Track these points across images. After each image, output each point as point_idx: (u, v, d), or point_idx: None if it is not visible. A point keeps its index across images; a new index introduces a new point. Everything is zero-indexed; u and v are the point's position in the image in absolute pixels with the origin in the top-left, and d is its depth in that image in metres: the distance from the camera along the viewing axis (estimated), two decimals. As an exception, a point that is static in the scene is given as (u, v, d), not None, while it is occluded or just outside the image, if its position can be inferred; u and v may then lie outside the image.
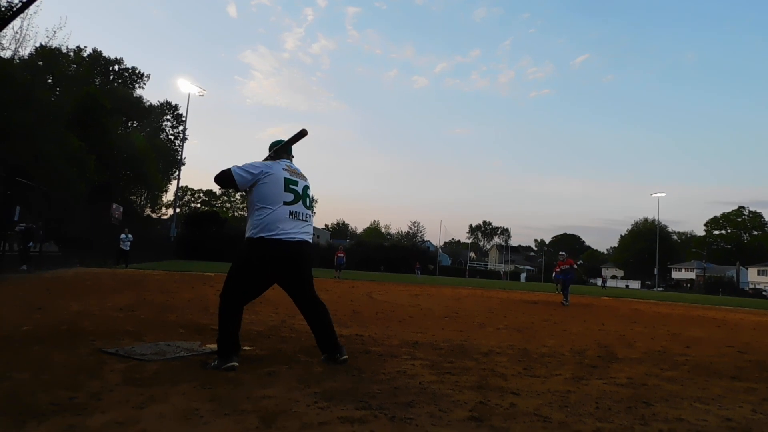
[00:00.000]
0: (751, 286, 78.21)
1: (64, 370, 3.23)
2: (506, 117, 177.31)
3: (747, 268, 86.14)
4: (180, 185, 50.39)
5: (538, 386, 3.62)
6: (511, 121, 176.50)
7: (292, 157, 4.14)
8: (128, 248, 21.18)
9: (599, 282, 64.48)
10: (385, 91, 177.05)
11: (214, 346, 3.85)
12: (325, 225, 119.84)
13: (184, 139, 51.78)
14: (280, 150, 4.04)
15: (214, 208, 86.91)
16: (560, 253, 16.99)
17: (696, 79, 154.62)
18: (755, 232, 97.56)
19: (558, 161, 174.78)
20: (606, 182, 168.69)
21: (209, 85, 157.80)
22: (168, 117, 59.57)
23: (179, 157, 52.46)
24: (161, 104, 58.67)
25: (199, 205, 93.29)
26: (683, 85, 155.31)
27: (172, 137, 59.16)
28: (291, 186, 3.84)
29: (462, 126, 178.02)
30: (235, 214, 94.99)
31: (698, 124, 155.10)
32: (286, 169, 3.89)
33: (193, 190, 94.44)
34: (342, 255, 26.33)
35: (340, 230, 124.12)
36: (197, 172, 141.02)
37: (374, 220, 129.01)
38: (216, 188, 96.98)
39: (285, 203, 3.76)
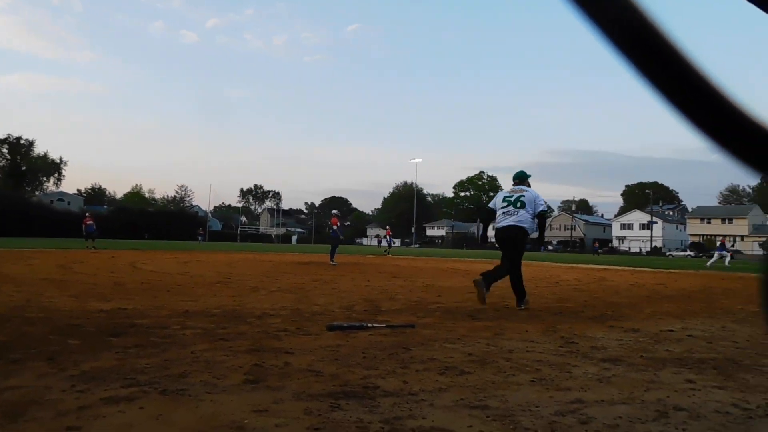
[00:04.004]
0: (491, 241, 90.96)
1: None
2: (280, 80, 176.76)
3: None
4: None
5: (311, 343, 3.78)
6: (284, 85, 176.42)
7: (517, 182, 6.67)
8: None
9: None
10: (148, 44, 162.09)
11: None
12: (78, 190, 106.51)
13: None
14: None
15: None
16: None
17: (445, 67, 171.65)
18: (491, 194, 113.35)
19: (329, 127, 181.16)
20: (372, 148, 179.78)
21: None
22: None
23: None
24: None
25: None
26: (441, 67, 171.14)
27: None
28: (507, 198, 6.44)
29: (233, 87, 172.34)
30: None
31: (447, 98, 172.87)
32: (505, 191, 6.67)
33: None
34: (91, 222, 23.32)
35: (95, 195, 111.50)
36: None
37: (136, 184, 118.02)
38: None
39: (501, 209, 6.47)
